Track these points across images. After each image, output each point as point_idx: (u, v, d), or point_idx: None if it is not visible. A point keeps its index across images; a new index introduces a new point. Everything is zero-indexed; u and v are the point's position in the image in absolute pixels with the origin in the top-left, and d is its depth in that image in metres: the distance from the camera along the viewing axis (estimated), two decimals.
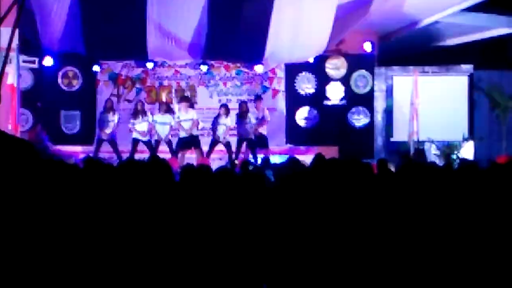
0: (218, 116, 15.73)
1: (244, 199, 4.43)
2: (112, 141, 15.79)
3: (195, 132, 15.62)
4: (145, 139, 15.77)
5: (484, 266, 4.01)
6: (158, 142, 15.84)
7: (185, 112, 15.55)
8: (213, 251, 3.91)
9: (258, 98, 16.75)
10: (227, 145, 15.70)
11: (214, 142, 15.73)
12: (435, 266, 3.98)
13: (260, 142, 15.80)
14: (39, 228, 3.34)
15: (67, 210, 3.71)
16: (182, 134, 15.47)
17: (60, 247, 3.32)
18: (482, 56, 19.29)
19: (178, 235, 3.95)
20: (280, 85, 18.30)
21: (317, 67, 17.90)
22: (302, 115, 18.23)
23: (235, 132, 15.96)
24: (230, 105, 16.65)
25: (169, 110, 16.18)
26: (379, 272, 3.91)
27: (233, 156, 15.40)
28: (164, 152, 14.92)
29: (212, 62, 17.65)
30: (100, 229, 3.73)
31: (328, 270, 3.91)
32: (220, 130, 15.64)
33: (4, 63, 13.03)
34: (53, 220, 3.55)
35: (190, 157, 15.30)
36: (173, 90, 17.96)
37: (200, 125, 16.15)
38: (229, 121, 15.81)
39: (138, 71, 17.96)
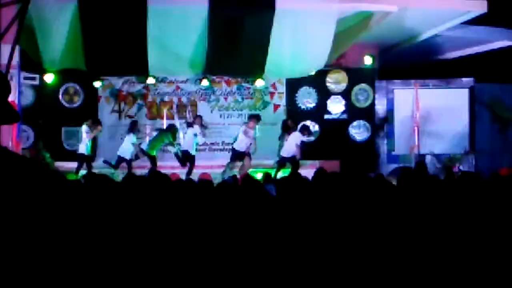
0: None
1: (245, 210, 4.42)
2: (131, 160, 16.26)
3: None
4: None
5: (485, 274, 4.00)
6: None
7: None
8: (211, 262, 3.90)
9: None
10: None
11: None
12: (438, 274, 3.96)
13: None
14: (41, 244, 3.32)
15: (70, 225, 3.70)
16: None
17: (63, 264, 3.31)
18: (483, 69, 19.28)
19: (177, 247, 3.93)
20: (281, 99, 18.32)
21: (317, 81, 17.93)
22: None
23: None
24: (231, 121, 16.72)
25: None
26: (382, 282, 3.90)
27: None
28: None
29: (213, 77, 17.67)
30: (103, 244, 3.73)
31: (329, 281, 3.89)
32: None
33: None
34: (55, 235, 3.54)
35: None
36: (174, 106, 17.96)
37: (201, 140, 16.23)
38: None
39: (139, 87, 17.96)
